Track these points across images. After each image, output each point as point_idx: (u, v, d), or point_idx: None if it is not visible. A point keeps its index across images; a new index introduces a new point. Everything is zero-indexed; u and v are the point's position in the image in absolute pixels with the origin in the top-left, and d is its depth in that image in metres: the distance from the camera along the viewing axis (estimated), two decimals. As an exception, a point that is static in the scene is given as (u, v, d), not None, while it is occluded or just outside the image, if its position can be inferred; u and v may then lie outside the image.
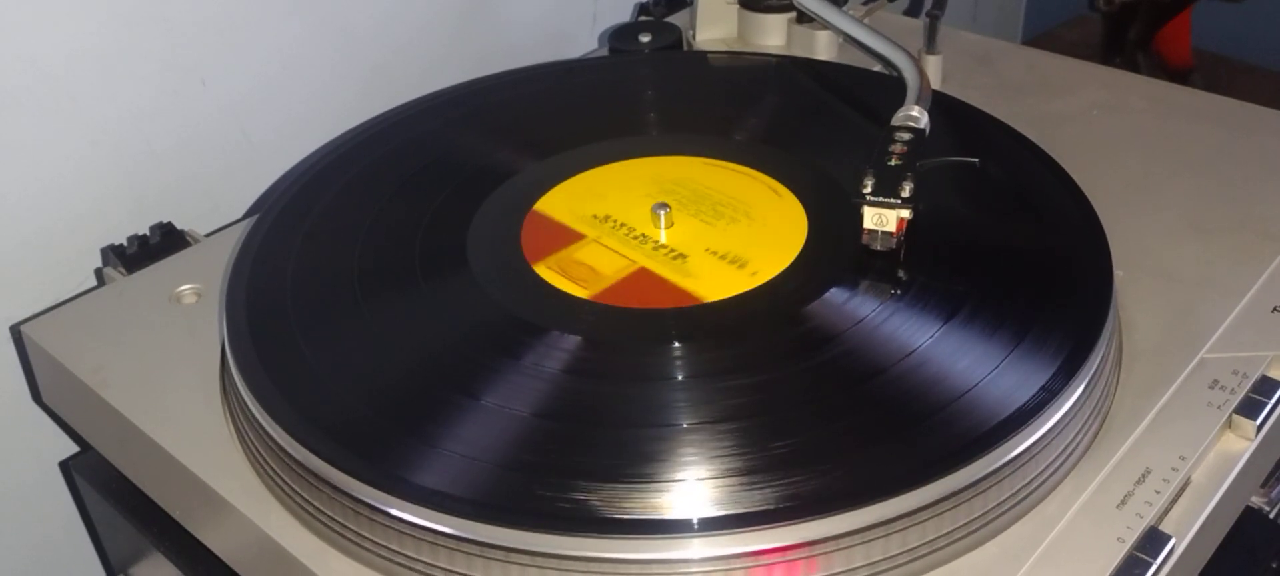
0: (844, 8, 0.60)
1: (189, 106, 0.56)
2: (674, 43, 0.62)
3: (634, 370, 0.39)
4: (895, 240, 0.42)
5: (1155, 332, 0.42)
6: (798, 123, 0.54)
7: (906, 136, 0.45)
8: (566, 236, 0.46)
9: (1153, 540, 0.35)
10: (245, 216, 0.55)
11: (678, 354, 0.39)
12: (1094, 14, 1.01)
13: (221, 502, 0.38)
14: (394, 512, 0.35)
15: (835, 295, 0.41)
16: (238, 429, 0.40)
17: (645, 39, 0.62)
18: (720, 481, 0.34)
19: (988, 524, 0.35)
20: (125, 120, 0.54)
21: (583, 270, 0.44)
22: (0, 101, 0.50)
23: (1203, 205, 0.49)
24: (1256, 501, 0.44)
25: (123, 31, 0.53)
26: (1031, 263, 0.43)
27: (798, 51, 0.62)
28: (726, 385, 0.38)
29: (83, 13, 0.51)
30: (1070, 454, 0.37)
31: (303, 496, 0.37)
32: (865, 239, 0.43)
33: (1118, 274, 0.42)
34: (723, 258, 0.44)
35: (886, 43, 0.54)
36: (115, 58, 0.53)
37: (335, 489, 0.36)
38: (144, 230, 0.51)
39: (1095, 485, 0.36)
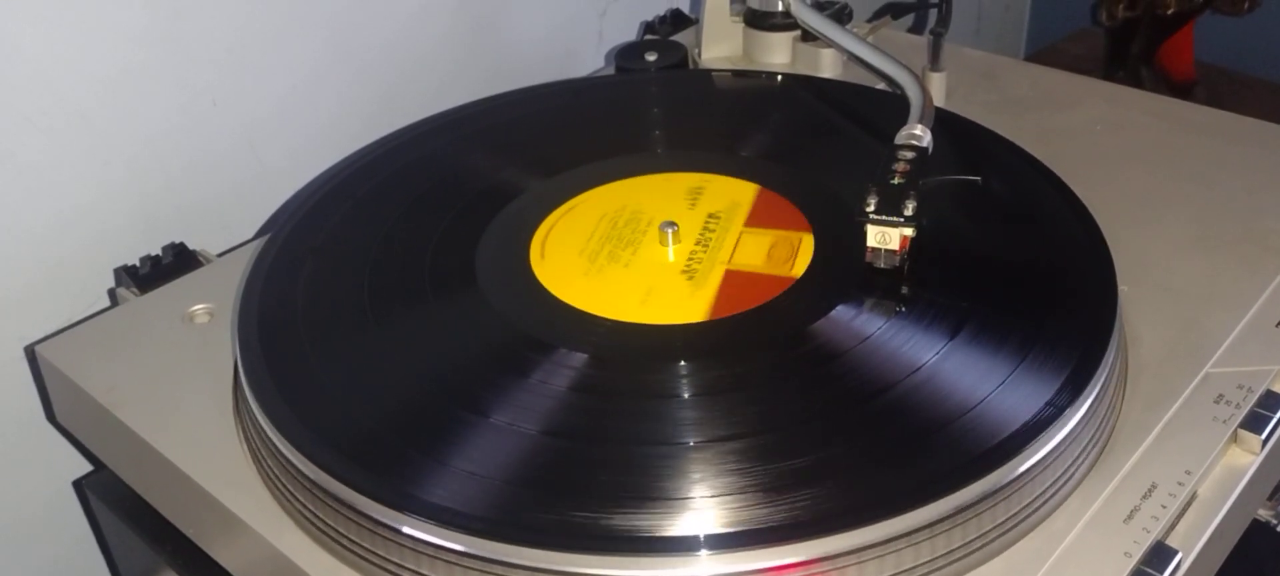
0: (848, 26, 0.61)
1: (201, 127, 0.57)
2: (680, 61, 0.63)
3: (641, 388, 0.39)
4: (899, 258, 0.43)
5: (1160, 347, 0.42)
6: (802, 140, 0.55)
7: (909, 154, 0.45)
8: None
9: (1159, 554, 0.35)
10: (257, 236, 0.55)
11: (685, 372, 0.40)
12: (1097, 28, 1.02)
13: (235, 520, 0.39)
14: (405, 530, 0.35)
15: (841, 313, 0.41)
16: (251, 447, 0.41)
17: (651, 57, 0.62)
18: (726, 499, 0.34)
19: (995, 539, 0.35)
20: (137, 141, 0.55)
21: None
22: (13, 122, 0.51)
23: (1206, 220, 0.49)
24: (1263, 514, 0.44)
25: (135, 52, 0.53)
26: (1036, 278, 0.43)
27: (802, 69, 0.63)
28: (733, 403, 0.38)
29: (95, 34, 0.52)
30: (1076, 469, 0.37)
31: (315, 513, 0.37)
32: (869, 257, 0.43)
33: (1122, 289, 0.42)
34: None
35: (890, 60, 0.55)
36: (127, 79, 0.54)
37: (347, 506, 0.36)
38: (156, 250, 0.51)
39: (1102, 500, 0.37)
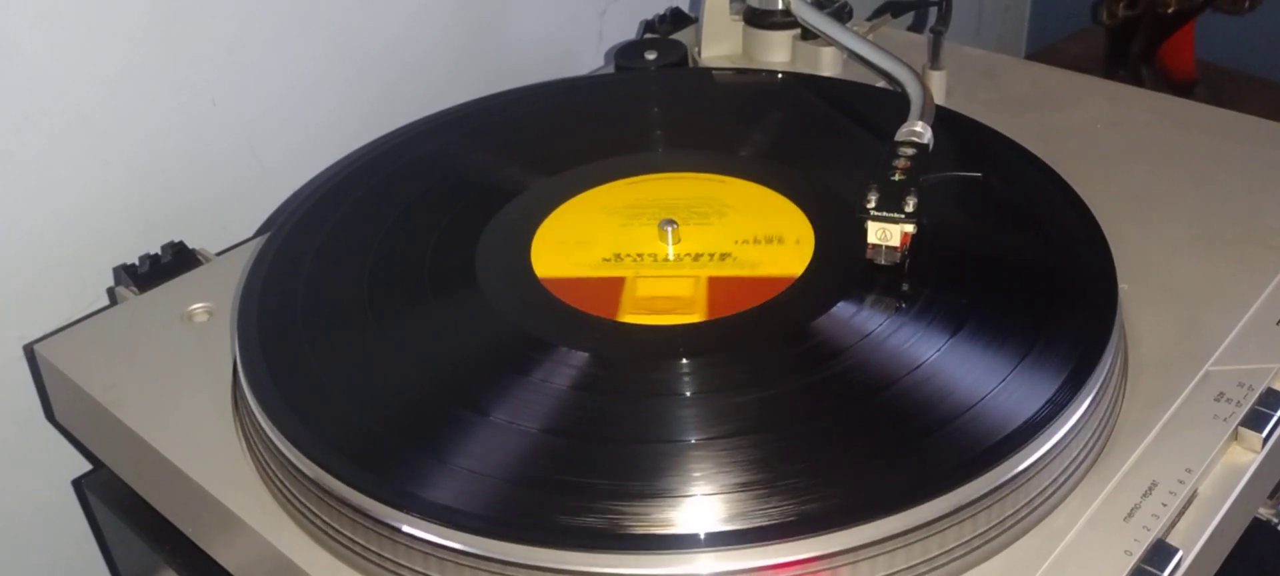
0: (848, 24, 0.61)
1: (201, 127, 0.57)
2: (680, 60, 0.63)
3: (642, 386, 0.39)
4: (899, 254, 0.43)
5: (1160, 345, 0.42)
6: (802, 138, 0.55)
7: (910, 151, 0.45)
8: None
9: (1160, 553, 0.35)
10: (256, 235, 0.55)
11: (685, 369, 0.40)
12: (1097, 27, 1.02)
13: (234, 519, 0.39)
14: (405, 529, 0.35)
15: (842, 310, 0.41)
16: (250, 446, 0.41)
17: (651, 56, 0.62)
18: (728, 496, 0.34)
19: (995, 537, 0.35)
20: (137, 141, 0.55)
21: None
22: (13, 122, 0.51)
23: (1207, 218, 0.49)
24: (1264, 513, 0.44)
25: (135, 52, 0.53)
26: (1036, 276, 0.43)
27: (802, 68, 0.63)
28: (734, 400, 0.38)
29: (95, 34, 0.52)
30: (1077, 467, 0.37)
31: (315, 513, 0.37)
32: (869, 254, 0.43)
33: (1122, 287, 0.42)
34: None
35: (890, 58, 0.55)
36: (127, 79, 0.54)
37: (346, 505, 0.36)
38: (155, 249, 0.51)
39: (1102, 498, 0.37)
